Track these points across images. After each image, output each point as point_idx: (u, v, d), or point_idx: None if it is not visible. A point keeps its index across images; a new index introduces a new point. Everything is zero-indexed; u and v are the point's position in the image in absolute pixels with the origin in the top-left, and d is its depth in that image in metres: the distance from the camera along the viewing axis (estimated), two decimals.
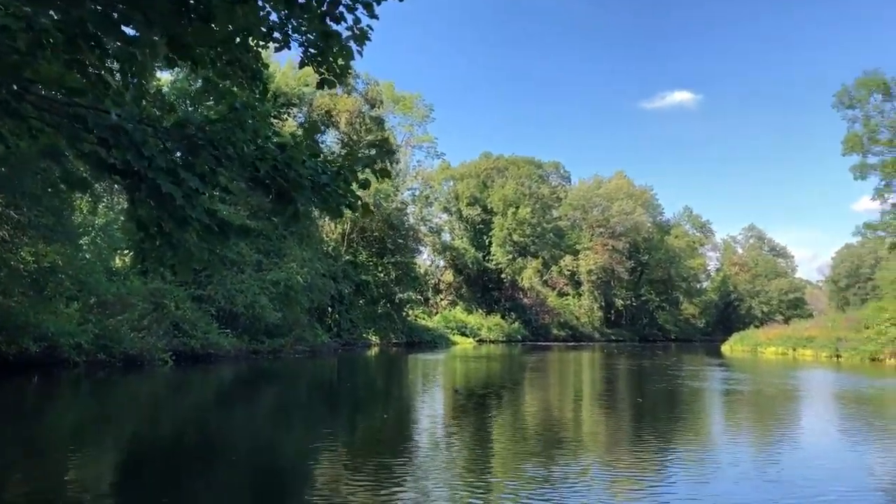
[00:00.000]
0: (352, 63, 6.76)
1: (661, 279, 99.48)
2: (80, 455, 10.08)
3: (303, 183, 5.58)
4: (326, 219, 44.93)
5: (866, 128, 43.35)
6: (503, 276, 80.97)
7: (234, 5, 5.19)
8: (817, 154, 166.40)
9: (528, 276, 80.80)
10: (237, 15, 5.22)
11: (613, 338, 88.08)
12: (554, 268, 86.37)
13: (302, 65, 6.78)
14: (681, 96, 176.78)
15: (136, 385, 21.06)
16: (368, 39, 6.35)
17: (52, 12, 5.04)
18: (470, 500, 7.56)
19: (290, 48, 6.70)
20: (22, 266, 21.84)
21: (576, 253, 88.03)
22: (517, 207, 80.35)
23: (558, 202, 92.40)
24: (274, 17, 6.33)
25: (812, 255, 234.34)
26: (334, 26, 6.16)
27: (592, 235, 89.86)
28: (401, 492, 7.86)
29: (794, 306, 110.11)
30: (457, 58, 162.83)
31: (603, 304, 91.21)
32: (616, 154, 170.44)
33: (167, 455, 10.15)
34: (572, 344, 72.32)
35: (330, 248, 49.70)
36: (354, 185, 6.12)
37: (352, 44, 6.34)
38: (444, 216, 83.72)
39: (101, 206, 30.18)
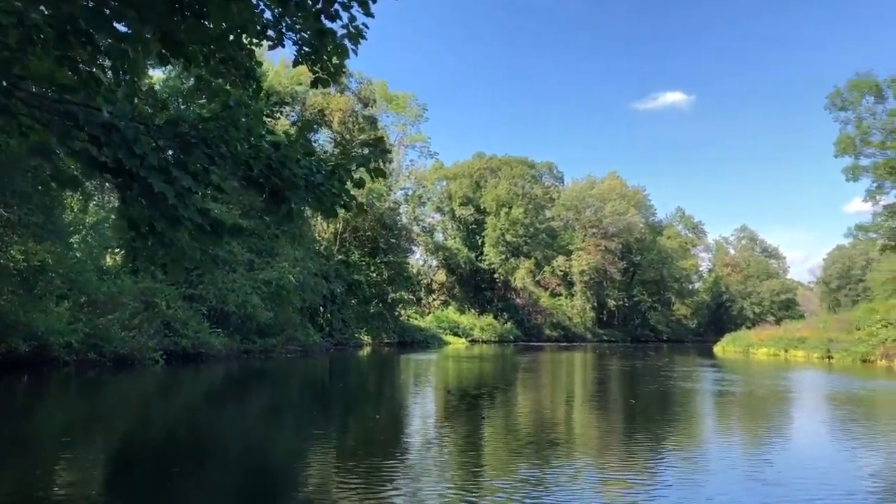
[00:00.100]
0: (345, 62, 6.71)
1: (654, 280, 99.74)
2: (70, 455, 9.99)
3: (297, 182, 5.52)
4: (319, 218, 44.86)
5: (858, 130, 43.56)
6: (496, 276, 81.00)
7: (228, 2, 5.13)
8: (809, 155, 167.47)
9: (521, 277, 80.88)
10: (231, 12, 5.17)
11: (605, 338, 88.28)
12: (546, 268, 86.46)
13: (296, 63, 6.72)
14: (674, 97, 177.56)
15: (126, 384, 20.94)
16: (364, 38, 6.30)
17: (42, 8, 4.97)
18: (462, 501, 7.52)
19: (283, 46, 6.64)
20: (12, 264, 21.68)
21: (568, 253, 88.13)
22: (510, 207, 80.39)
23: (551, 202, 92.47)
24: (268, 14, 6.28)
25: (804, 256, 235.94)
26: (329, 24, 6.11)
27: (585, 236, 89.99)
28: (393, 493, 7.81)
29: (786, 307, 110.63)
30: (450, 57, 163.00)
31: (595, 304, 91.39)
32: (609, 154, 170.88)
33: (157, 455, 10.07)
34: (564, 344, 72.38)
35: (322, 248, 49.60)
36: (349, 185, 6.07)
37: (346, 42, 6.29)
38: (437, 216, 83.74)
39: (91, 205, 30.03)
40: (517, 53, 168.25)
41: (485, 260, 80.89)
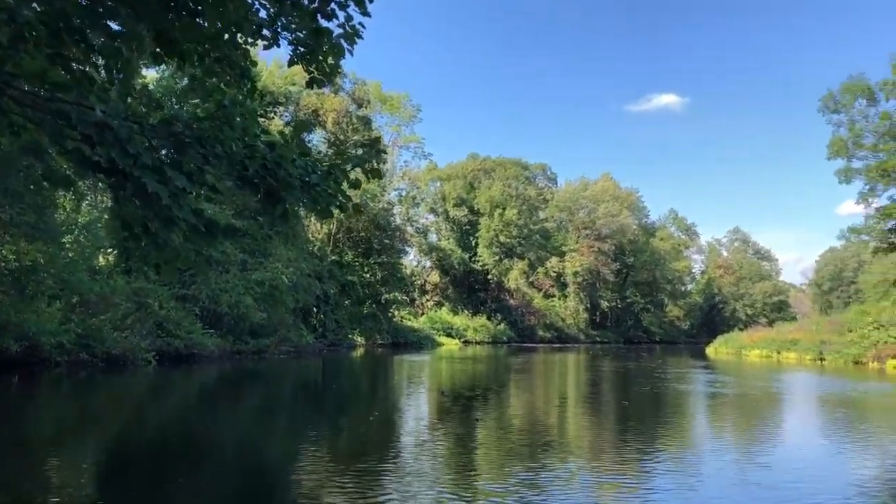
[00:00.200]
0: (341, 62, 6.66)
1: (647, 281, 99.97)
2: (62, 456, 9.91)
3: (292, 182, 5.47)
4: (312, 219, 44.76)
5: (851, 132, 43.70)
6: (489, 277, 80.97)
7: (224, 0, 5.08)
8: (802, 158, 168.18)
9: (515, 278, 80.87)
10: (227, 10, 5.12)
11: (598, 339, 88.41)
12: (540, 269, 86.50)
13: (291, 63, 6.66)
14: (667, 99, 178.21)
15: (118, 385, 20.83)
16: (360, 38, 6.25)
17: (35, 5, 4.92)
18: None
19: (279, 46, 6.59)
20: (3, 264, 21.55)
21: (562, 254, 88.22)
22: (504, 209, 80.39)
23: (545, 204, 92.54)
24: (263, 14, 6.22)
25: (796, 258, 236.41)
26: (325, 23, 6.06)
27: (578, 237, 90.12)
28: (386, 496, 7.76)
29: (778, 309, 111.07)
30: (444, 58, 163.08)
31: (588, 305, 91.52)
32: (602, 156, 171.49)
33: (150, 457, 9.99)
34: (558, 345, 72.44)
35: (315, 248, 49.51)
36: (345, 185, 6.02)
37: (342, 42, 6.24)
38: (431, 217, 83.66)
39: (84, 204, 29.87)
40: (511, 55, 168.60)
41: (478, 261, 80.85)
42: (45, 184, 18.01)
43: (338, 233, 53.47)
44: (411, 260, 77.23)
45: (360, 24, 6.22)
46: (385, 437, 12.43)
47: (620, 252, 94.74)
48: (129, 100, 5.88)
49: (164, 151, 5.44)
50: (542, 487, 8.25)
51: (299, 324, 40.97)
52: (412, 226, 71.30)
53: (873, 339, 39.42)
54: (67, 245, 26.30)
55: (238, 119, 5.46)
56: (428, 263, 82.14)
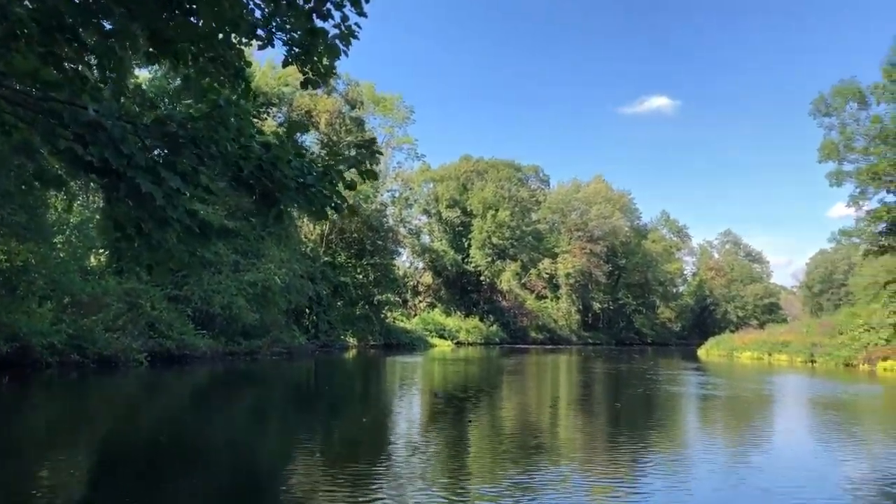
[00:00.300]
0: (335, 62, 6.62)
1: (638, 283, 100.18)
2: (53, 458, 9.82)
3: (288, 184, 5.43)
4: (305, 219, 44.65)
5: (842, 135, 43.83)
6: (482, 278, 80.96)
7: None
8: (793, 161, 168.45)
9: (507, 279, 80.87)
10: (223, 8, 5.07)
11: (590, 341, 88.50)
12: (532, 271, 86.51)
13: (286, 64, 6.60)
14: (659, 102, 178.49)
15: (110, 386, 20.71)
16: (355, 38, 6.21)
17: (27, 2, 4.87)
18: None
19: (273, 46, 6.53)
20: None
21: (554, 256, 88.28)
22: (496, 210, 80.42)
23: (537, 205, 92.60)
24: (258, 14, 6.17)
25: (787, 260, 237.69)
26: (321, 24, 6.02)
27: (571, 239, 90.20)
28: (379, 499, 7.73)
29: (769, 311, 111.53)
30: (437, 58, 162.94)
31: (580, 307, 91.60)
32: (595, 158, 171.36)
33: (141, 459, 9.93)
34: (550, 347, 72.48)
35: (308, 249, 49.37)
36: (340, 186, 5.98)
37: (338, 42, 6.20)
38: (424, 218, 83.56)
39: (76, 205, 29.70)
40: (504, 57, 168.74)
41: (471, 262, 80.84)
42: (36, 184, 17.91)
43: (330, 234, 53.37)
44: (404, 261, 77.25)
45: (355, 24, 6.19)
46: (377, 439, 12.39)
47: (612, 254, 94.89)
48: (123, 99, 5.82)
49: (156, 151, 5.39)
50: (535, 490, 8.23)
51: (292, 325, 40.89)
52: (405, 227, 71.27)
53: (864, 342, 39.63)
54: (59, 245, 26.17)
55: (233, 119, 5.41)
56: (420, 265, 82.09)
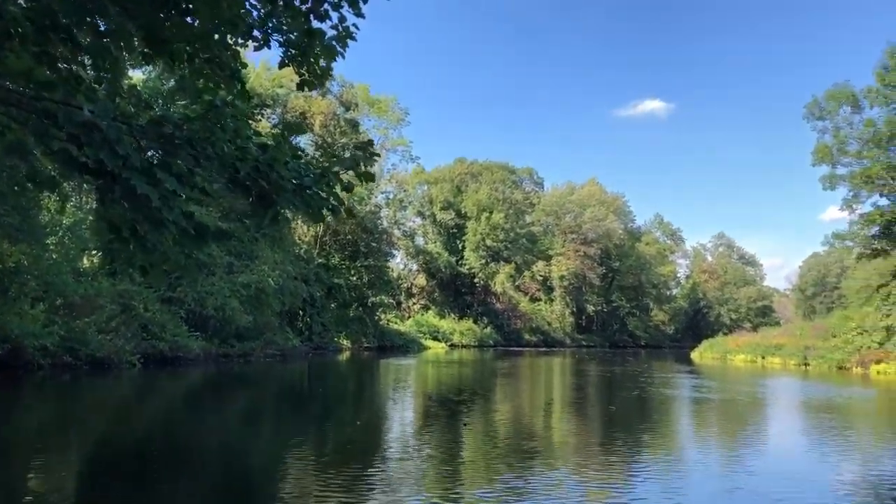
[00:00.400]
0: (332, 64, 6.58)
1: (632, 286, 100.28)
2: (44, 460, 9.75)
3: (285, 185, 5.38)
4: (299, 221, 44.54)
5: (836, 139, 43.99)
6: (476, 280, 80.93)
7: None
8: (787, 164, 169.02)
9: (501, 281, 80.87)
10: (221, 8, 5.03)
11: (584, 343, 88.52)
12: (526, 273, 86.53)
13: (282, 65, 6.54)
14: (653, 104, 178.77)
15: (102, 388, 20.61)
16: (353, 39, 6.17)
17: (21, 0, 4.82)
18: None
19: (269, 47, 6.49)
20: None
21: (548, 258, 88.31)
22: (490, 212, 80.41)
23: (531, 208, 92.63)
24: (254, 14, 6.13)
25: (780, 263, 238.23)
26: (318, 24, 5.98)
27: (565, 241, 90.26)
28: (372, 502, 7.70)
29: (762, 314, 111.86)
30: (432, 60, 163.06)
31: (574, 309, 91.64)
32: (589, 161, 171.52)
33: (133, 462, 9.86)
34: (544, 349, 72.51)
35: (302, 251, 49.27)
36: (337, 188, 5.94)
37: (335, 44, 6.16)
38: (418, 220, 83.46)
39: (69, 206, 29.55)
40: (499, 59, 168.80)
41: (465, 264, 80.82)
42: (29, 185, 17.79)
43: (324, 236, 53.27)
44: (398, 263, 77.11)
45: (353, 25, 6.16)
46: (371, 442, 12.35)
47: (606, 256, 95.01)
48: (118, 100, 5.77)
49: (151, 152, 5.35)
50: (529, 494, 8.21)
51: (285, 327, 40.78)
52: (399, 229, 71.20)
53: (857, 345, 39.77)
54: (51, 246, 26.02)
55: (229, 120, 5.37)
56: (415, 267, 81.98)
